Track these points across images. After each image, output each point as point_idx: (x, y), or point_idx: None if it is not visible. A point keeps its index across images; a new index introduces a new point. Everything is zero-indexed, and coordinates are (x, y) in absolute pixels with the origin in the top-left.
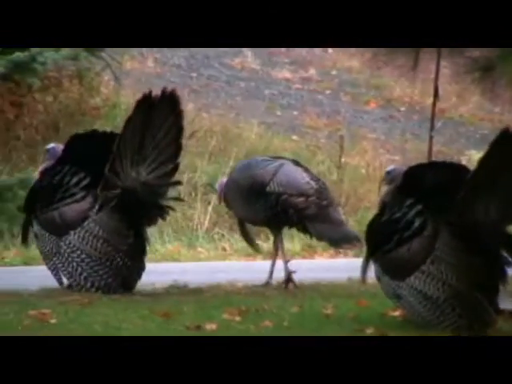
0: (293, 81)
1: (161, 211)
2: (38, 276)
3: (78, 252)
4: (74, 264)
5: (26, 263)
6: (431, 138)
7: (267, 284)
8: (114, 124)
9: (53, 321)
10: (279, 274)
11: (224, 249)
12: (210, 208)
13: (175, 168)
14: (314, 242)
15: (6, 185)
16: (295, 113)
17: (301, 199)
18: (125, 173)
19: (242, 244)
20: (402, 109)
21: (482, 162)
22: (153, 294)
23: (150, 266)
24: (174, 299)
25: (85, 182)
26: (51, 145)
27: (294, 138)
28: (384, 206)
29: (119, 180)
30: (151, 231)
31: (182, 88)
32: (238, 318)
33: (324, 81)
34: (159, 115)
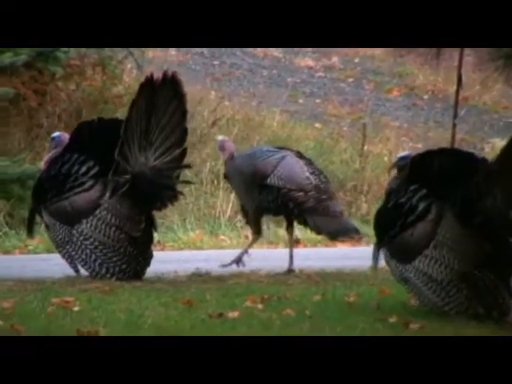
0: (315, 69)
1: (170, 195)
2: (61, 264)
3: (91, 240)
4: (88, 251)
5: (48, 251)
6: (454, 125)
7: (289, 272)
8: None
9: (76, 308)
10: (302, 263)
11: (246, 237)
12: (232, 196)
13: (183, 152)
14: None
15: (28, 173)
16: (318, 101)
17: (300, 194)
18: (133, 158)
19: (264, 232)
20: (425, 97)
21: (503, 152)
22: (175, 282)
23: (172, 253)
24: (197, 287)
25: (94, 171)
26: (57, 133)
27: (317, 125)
28: (390, 193)
29: (129, 165)
30: (173, 219)
31: (204, 76)
32: (260, 306)
33: (347, 69)
34: (162, 99)
